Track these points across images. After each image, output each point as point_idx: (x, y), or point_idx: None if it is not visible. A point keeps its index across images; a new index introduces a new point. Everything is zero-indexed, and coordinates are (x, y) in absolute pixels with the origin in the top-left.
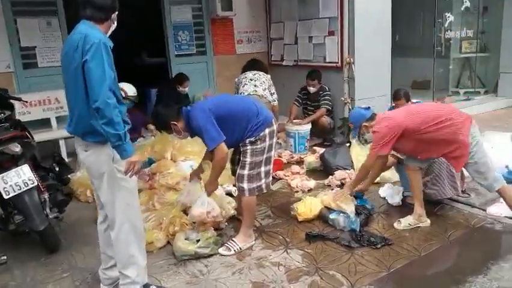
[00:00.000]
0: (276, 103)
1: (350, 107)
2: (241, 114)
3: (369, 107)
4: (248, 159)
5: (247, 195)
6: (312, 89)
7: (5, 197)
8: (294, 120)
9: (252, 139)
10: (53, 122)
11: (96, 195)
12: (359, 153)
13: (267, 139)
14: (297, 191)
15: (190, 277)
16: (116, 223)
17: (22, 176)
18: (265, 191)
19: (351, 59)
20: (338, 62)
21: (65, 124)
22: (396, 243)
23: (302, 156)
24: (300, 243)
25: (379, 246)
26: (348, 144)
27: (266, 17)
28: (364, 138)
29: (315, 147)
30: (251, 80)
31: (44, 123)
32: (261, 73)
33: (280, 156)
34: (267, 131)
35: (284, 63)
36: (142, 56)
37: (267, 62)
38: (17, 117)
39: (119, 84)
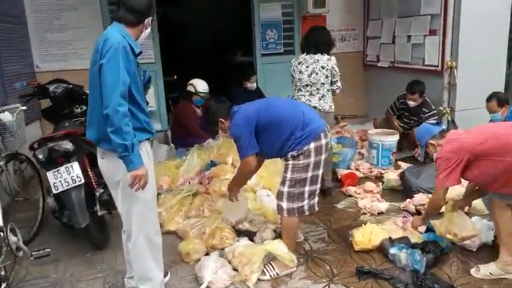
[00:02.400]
0: (338, 91)
1: (449, 118)
2: (285, 123)
3: (438, 123)
4: (288, 175)
5: (286, 216)
6: (411, 103)
7: (54, 191)
8: (377, 130)
9: (294, 153)
10: None
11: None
12: None
13: (312, 155)
14: (364, 213)
15: None
16: (132, 234)
17: (71, 173)
18: (307, 213)
19: (454, 63)
20: (437, 66)
21: (153, 120)
22: None
23: (383, 172)
24: (347, 278)
25: None
26: None
27: (364, 13)
28: (430, 159)
29: (400, 162)
30: (305, 84)
31: None
32: (317, 58)
33: (357, 169)
34: (312, 145)
35: (379, 64)
36: (237, 55)
37: (361, 62)
38: None
39: (193, 80)
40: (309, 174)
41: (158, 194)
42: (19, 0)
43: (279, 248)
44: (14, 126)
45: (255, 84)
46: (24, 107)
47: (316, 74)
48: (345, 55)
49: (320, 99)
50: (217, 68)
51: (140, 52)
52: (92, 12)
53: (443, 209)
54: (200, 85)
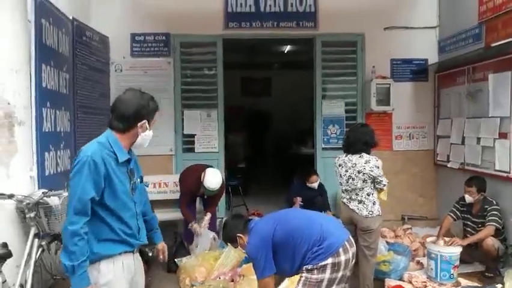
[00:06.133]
0: (385, 188)
1: None
2: (301, 238)
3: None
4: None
5: None
6: (468, 198)
7: None
8: (445, 238)
9: (309, 267)
10: None
11: None
12: None
13: (328, 271)
14: None
15: None
16: None
17: None
18: None
19: None
20: (509, 172)
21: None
22: None
23: None
24: None
25: None
26: (499, 286)
27: (434, 112)
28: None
29: (461, 279)
30: (344, 189)
31: None
32: (355, 162)
33: (410, 281)
34: (329, 260)
35: (449, 164)
36: (307, 145)
37: (432, 161)
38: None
39: (207, 172)
40: None
41: (192, 286)
42: (107, 95)
43: None
44: (59, 209)
45: (315, 184)
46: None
47: (353, 179)
48: (414, 153)
49: (359, 203)
50: (285, 158)
51: (129, 159)
52: (165, 102)
53: None
54: (208, 181)
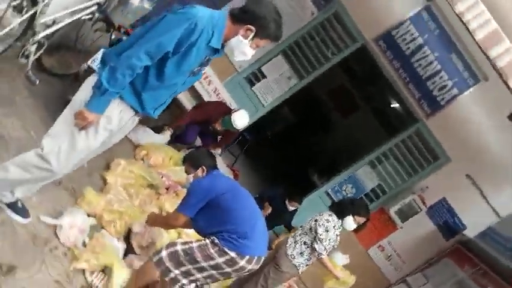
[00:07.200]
0: (320, 257)
1: None
2: (233, 218)
3: None
4: (193, 244)
5: (154, 261)
6: None
7: None
8: None
9: (216, 241)
10: None
11: None
12: None
13: (223, 259)
14: None
15: None
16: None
17: None
18: (167, 280)
19: None
20: None
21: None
22: None
23: None
24: None
25: None
26: None
27: (420, 264)
28: None
29: None
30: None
31: None
32: (326, 213)
33: None
34: (232, 254)
35: None
36: (320, 179)
37: None
38: None
39: (240, 111)
40: (203, 264)
41: (141, 160)
42: None
43: (120, 274)
44: (132, 10)
45: (291, 208)
46: None
47: (309, 222)
48: (377, 272)
49: (294, 242)
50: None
51: (217, 50)
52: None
53: None
54: (237, 118)
